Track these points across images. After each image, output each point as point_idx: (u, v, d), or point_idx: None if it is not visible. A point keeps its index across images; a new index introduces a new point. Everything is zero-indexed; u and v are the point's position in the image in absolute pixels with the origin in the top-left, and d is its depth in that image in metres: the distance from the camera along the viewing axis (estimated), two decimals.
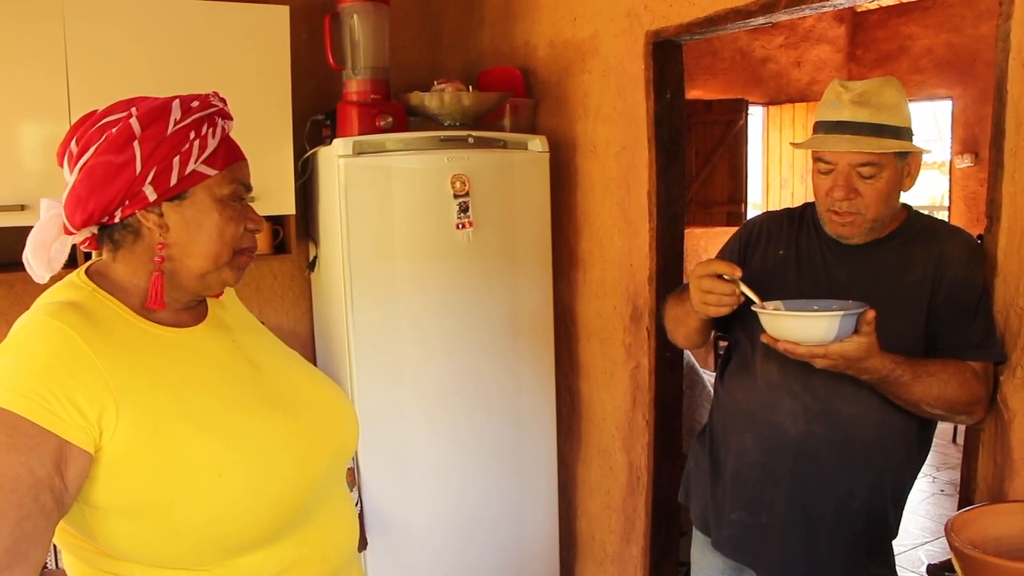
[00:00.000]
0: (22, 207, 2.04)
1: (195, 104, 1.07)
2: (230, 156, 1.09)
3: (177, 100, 1.06)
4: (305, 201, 2.60)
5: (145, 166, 1.02)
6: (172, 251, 1.06)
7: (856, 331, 1.37)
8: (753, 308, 1.46)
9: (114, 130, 1.02)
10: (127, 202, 1.03)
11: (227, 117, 1.11)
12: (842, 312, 1.36)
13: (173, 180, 1.03)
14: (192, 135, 1.04)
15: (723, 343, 1.68)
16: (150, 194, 1.03)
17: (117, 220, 1.05)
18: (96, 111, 1.06)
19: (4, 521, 0.87)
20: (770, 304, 1.46)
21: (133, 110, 1.04)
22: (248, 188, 1.12)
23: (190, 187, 1.05)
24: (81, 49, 2.10)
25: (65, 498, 0.93)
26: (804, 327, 1.39)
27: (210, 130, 1.06)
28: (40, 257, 1.08)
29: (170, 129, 1.03)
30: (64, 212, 1.05)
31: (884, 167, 1.50)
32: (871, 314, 1.36)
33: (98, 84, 2.09)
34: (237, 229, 1.09)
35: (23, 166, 2.09)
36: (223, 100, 1.12)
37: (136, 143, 1.02)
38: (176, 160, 1.03)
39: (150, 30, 2.20)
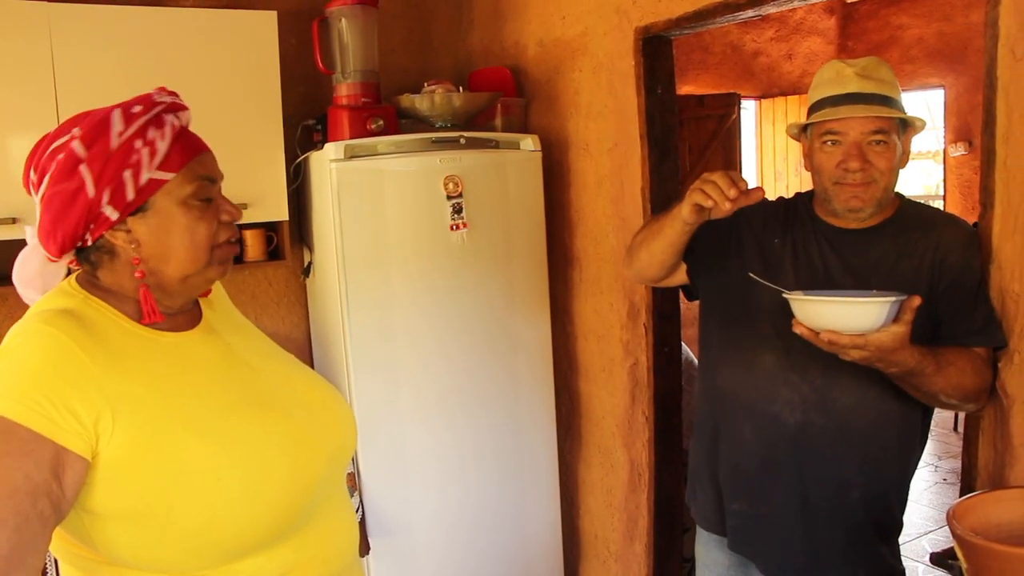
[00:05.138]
0: (13, 220, 2.04)
1: (137, 109, 1.03)
2: (186, 153, 1.05)
3: (118, 110, 1.03)
4: (298, 207, 2.60)
5: (97, 188, 1.00)
6: (150, 264, 1.05)
7: (895, 320, 1.32)
8: (785, 295, 1.40)
9: (60, 156, 1.00)
10: (92, 226, 1.01)
11: (178, 110, 1.07)
12: (892, 298, 1.30)
13: (130, 195, 1.01)
14: (139, 143, 1.01)
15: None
16: (111, 214, 1.01)
17: (90, 243, 1.04)
18: (48, 134, 1.04)
19: (3, 527, 0.87)
20: (795, 294, 1.40)
21: (76, 131, 1.01)
22: (213, 180, 1.09)
23: (149, 197, 1.03)
24: (68, 61, 2.09)
25: (62, 504, 0.92)
26: (852, 315, 1.31)
27: (158, 133, 1.03)
28: (35, 286, 1.08)
29: (114, 144, 1.00)
30: (40, 243, 1.05)
31: (891, 136, 1.52)
32: (916, 301, 1.32)
33: (86, 95, 2.06)
34: (209, 227, 1.07)
35: (13, 180, 2.07)
36: (172, 93, 1.09)
37: (83, 167, 0.99)
38: (127, 174, 1.00)
39: (137, 40, 2.19)
